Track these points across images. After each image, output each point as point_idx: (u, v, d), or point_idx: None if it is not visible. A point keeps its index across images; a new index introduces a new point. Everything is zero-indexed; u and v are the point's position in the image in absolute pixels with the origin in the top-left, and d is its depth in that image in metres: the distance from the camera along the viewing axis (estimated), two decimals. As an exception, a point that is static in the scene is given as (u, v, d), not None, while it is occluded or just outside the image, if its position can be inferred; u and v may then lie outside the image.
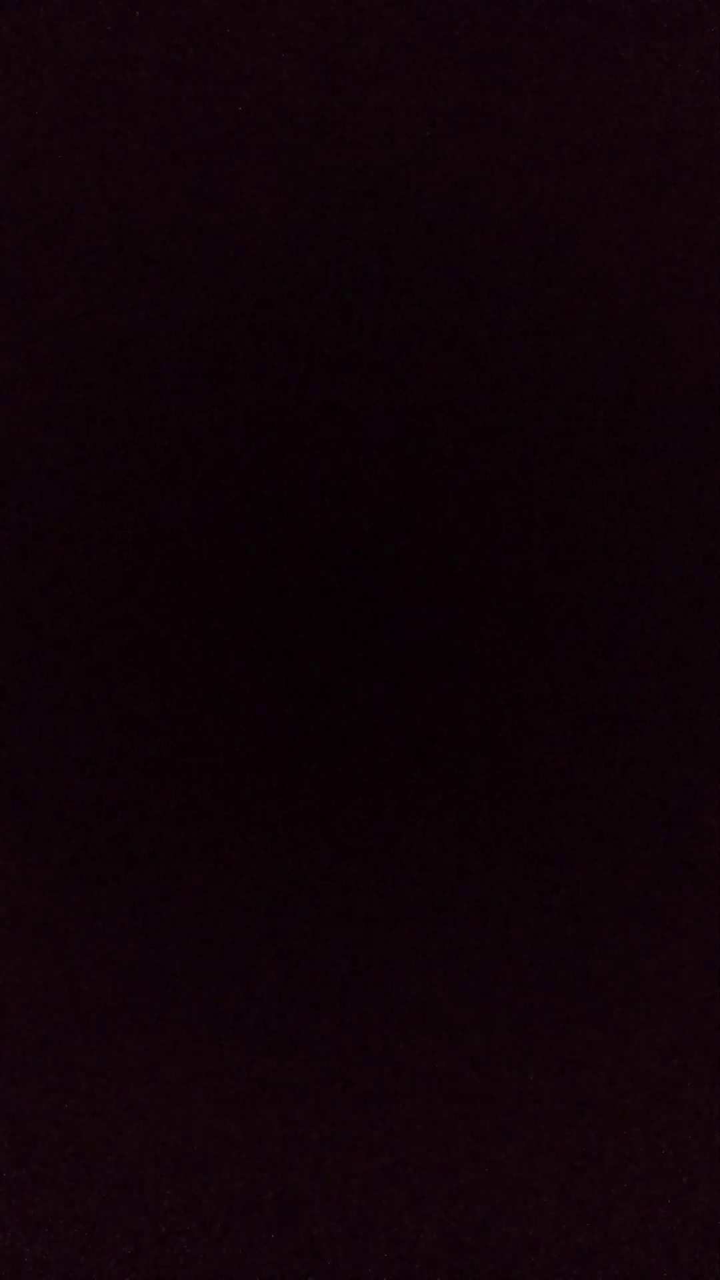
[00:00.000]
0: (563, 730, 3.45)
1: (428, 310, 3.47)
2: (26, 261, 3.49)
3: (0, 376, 3.48)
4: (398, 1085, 3.42)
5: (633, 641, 3.46)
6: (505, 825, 3.44)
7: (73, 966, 3.44)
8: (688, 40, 3.48)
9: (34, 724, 3.46)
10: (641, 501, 3.46)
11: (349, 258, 3.48)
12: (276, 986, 3.44)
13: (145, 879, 3.45)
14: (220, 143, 3.49)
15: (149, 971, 3.44)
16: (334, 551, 3.46)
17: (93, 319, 3.48)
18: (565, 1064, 3.43)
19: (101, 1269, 3.41)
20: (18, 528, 3.47)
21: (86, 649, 3.47)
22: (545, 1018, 3.43)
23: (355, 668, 3.46)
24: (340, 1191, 3.41)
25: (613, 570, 3.46)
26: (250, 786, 3.45)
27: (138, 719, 3.46)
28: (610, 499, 3.47)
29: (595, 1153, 3.41)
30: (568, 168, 3.48)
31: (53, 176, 3.49)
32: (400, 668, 3.46)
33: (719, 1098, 3.42)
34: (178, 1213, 3.42)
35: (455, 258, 3.47)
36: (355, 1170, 3.42)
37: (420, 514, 3.46)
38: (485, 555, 3.46)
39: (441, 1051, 3.43)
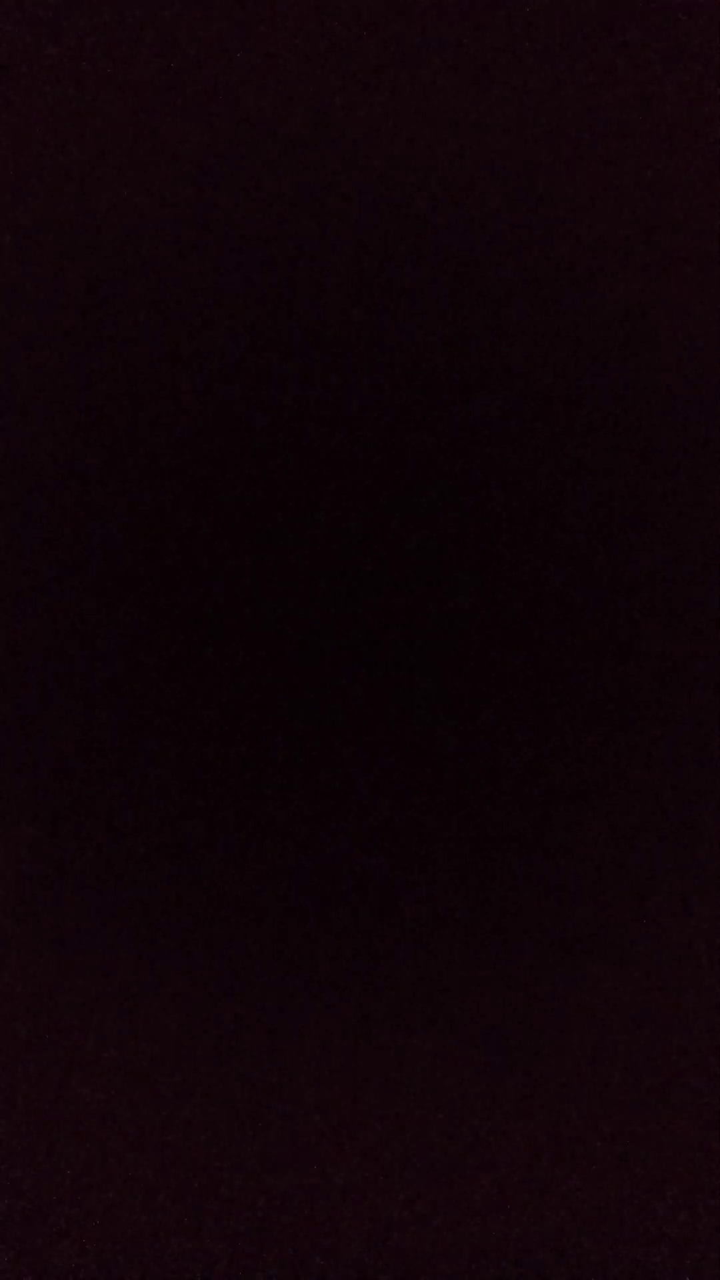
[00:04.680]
0: (562, 730, 3.46)
1: (427, 312, 3.48)
2: (26, 262, 3.49)
3: (1, 377, 3.48)
4: (397, 1085, 3.43)
5: (633, 641, 3.46)
6: (505, 825, 3.45)
7: (71, 965, 3.44)
8: (688, 40, 3.48)
9: (33, 724, 3.46)
10: (641, 502, 3.47)
11: (348, 258, 3.48)
12: (276, 985, 3.44)
13: (145, 880, 3.45)
14: (219, 143, 3.49)
15: (148, 972, 3.45)
16: (333, 553, 3.47)
17: (92, 320, 3.49)
18: (565, 1064, 3.43)
19: (101, 1267, 3.41)
20: (18, 531, 3.47)
21: (87, 645, 3.47)
22: (545, 1018, 3.43)
23: (355, 668, 3.46)
24: (340, 1190, 3.41)
25: (612, 570, 3.46)
26: (250, 787, 3.46)
27: (138, 720, 3.46)
28: (609, 498, 3.47)
29: (595, 1152, 3.41)
30: (567, 168, 3.48)
31: (52, 177, 3.49)
32: (400, 668, 3.46)
33: (719, 1097, 3.42)
34: (177, 1212, 3.42)
35: (454, 258, 3.48)
36: (355, 1170, 3.42)
37: (420, 515, 3.47)
38: (484, 557, 3.47)
39: (441, 1051, 3.43)
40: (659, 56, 3.48)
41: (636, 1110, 3.42)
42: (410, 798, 3.45)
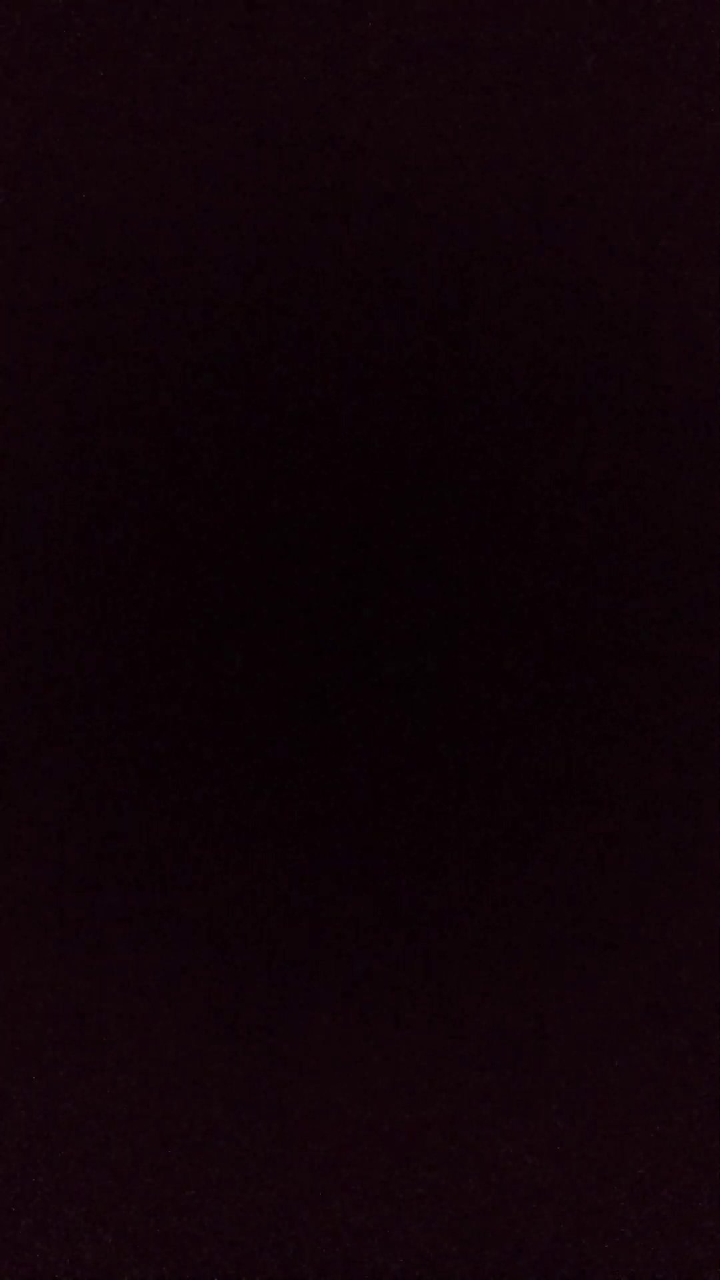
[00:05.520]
0: (562, 732, 3.46)
1: (427, 313, 3.48)
2: (25, 263, 3.49)
3: (1, 377, 3.48)
4: (397, 1084, 3.42)
5: (632, 642, 3.46)
6: (505, 826, 3.45)
7: (72, 967, 3.44)
8: (688, 40, 3.48)
9: (33, 727, 3.46)
10: (641, 504, 3.47)
11: (348, 259, 3.48)
12: (276, 987, 3.44)
13: (145, 882, 3.45)
14: (220, 144, 3.49)
15: (148, 973, 3.45)
16: (333, 555, 3.47)
17: (92, 321, 3.49)
18: (565, 1065, 3.43)
19: (100, 1268, 3.41)
20: (18, 534, 3.47)
21: (87, 646, 3.47)
22: (545, 1019, 3.43)
23: (354, 671, 3.46)
24: (339, 1190, 3.41)
25: (612, 572, 3.47)
26: (250, 789, 3.46)
27: (137, 721, 3.46)
28: (608, 499, 3.47)
29: (595, 1153, 3.41)
30: (568, 169, 3.48)
31: (52, 177, 3.49)
32: (400, 671, 3.46)
33: (719, 1099, 3.42)
34: (177, 1213, 3.42)
35: (455, 259, 3.48)
36: (354, 1169, 3.42)
37: (420, 517, 3.47)
38: (484, 559, 3.47)
39: (441, 1051, 3.43)
40: (659, 56, 3.48)
41: (637, 1110, 3.42)
42: (410, 797, 3.45)
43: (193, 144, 3.50)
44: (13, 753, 3.46)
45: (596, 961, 3.43)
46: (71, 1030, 3.44)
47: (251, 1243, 3.40)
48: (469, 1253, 3.40)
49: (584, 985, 3.43)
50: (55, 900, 3.45)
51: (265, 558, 3.47)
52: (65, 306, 3.48)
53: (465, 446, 3.47)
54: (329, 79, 3.48)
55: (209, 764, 3.46)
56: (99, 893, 3.45)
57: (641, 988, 3.43)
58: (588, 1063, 3.42)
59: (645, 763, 3.45)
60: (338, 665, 3.46)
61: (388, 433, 3.47)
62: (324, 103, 3.48)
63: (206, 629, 3.47)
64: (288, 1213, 3.41)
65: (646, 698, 3.45)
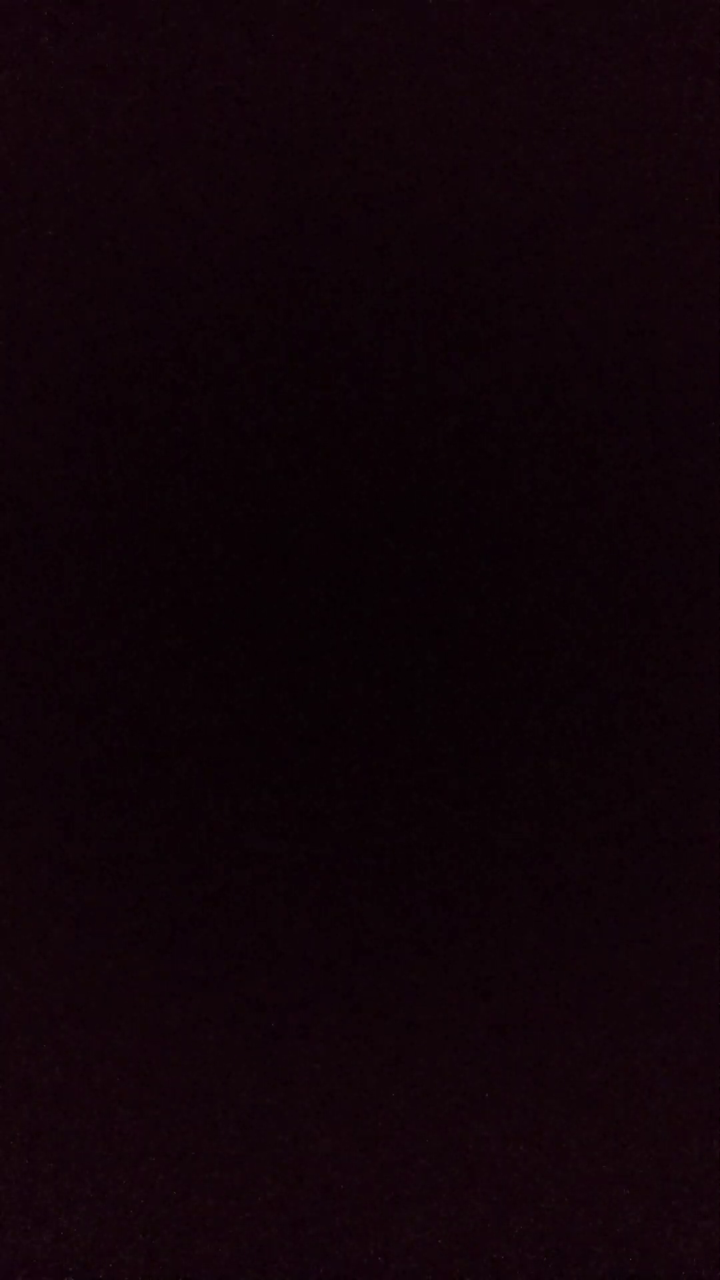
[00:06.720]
0: (563, 734, 3.45)
1: (427, 313, 3.48)
2: (25, 262, 3.49)
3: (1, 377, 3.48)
4: (398, 1087, 3.42)
5: (632, 642, 3.46)
6: (506, 826, 3.45)
7: (73, 969, 3.44)
8: (687, 40, 3.48)
9: (32, 726, 3.46)
10: (641, 504, 3.47)
11: (348, 259, 3.48)
12: (277, 988, 3.44)
13: (145, 881, 3.45)
14: (219, 143, 3.49)
15: (149, 974, 3.44)
16: (333, 555, 3.47)
17: (92, 321, 3.49)
18: (565, 1066, 3.43)
19: (100, 1267, 3.41)
20: (18, 535, 3.47)
21: (87, 646, 3.47)
22: (546, 1020, 3.43)
23: (355, 673, 3.46)
24: (340, 1193, 3.41)
25: (612, 572, 3.47)
26: (252, 790, 3.46)
27: (137, 722, 3.46)
28: (609, 500, 3.47)
29: (595, 1152, 3.41)
30: (567, 168, 3.48)
31: (52, 176, 3.49)
32: (400, 673, 3.46)
33: (719, 1097, 3.42)
34: (177, 1215, 3.42)
35: (454, 259, 3.48)
36: (355, 1171, 3.42)
37: (420, 518, 3.47)
38: (484, 560, 3.47)
39: (442, 1052, 3.43)
40: (659, 56, 3.48)
41: (637, 1111, 3.42)
42: (412, 799, 3.45)
43: (193, 143, 3.50)
44: (13, 752, 3.46)
45: (596, 962, 3.43)
46: (71, 1030, 3.44)
47: (252, 1242, 3.40)
48: (469, 1253, 3.40)
49: (584, 986, 3.43)
50: (56, 899, 3.44)
51: (265, 559, 3.47)
52: (65, 306, 3.48)
53: (464, 446, 3.47)
54: (329, 79, 3.48)
55: (209, 765, 3.46)
56: (99, 891, 3.44)
57: (642, 988, 3.43)
58: (588, 1064, 3.42)
59: (645, 764, 3.45)
60: (338, 665, 3.46)
61: (387, 431, 3.47)
62: (324, 103, 3.48)
63: (206, 630, 3.47)
64: (288, 1212, 3.41)
65: (647, 698, 3.45)
